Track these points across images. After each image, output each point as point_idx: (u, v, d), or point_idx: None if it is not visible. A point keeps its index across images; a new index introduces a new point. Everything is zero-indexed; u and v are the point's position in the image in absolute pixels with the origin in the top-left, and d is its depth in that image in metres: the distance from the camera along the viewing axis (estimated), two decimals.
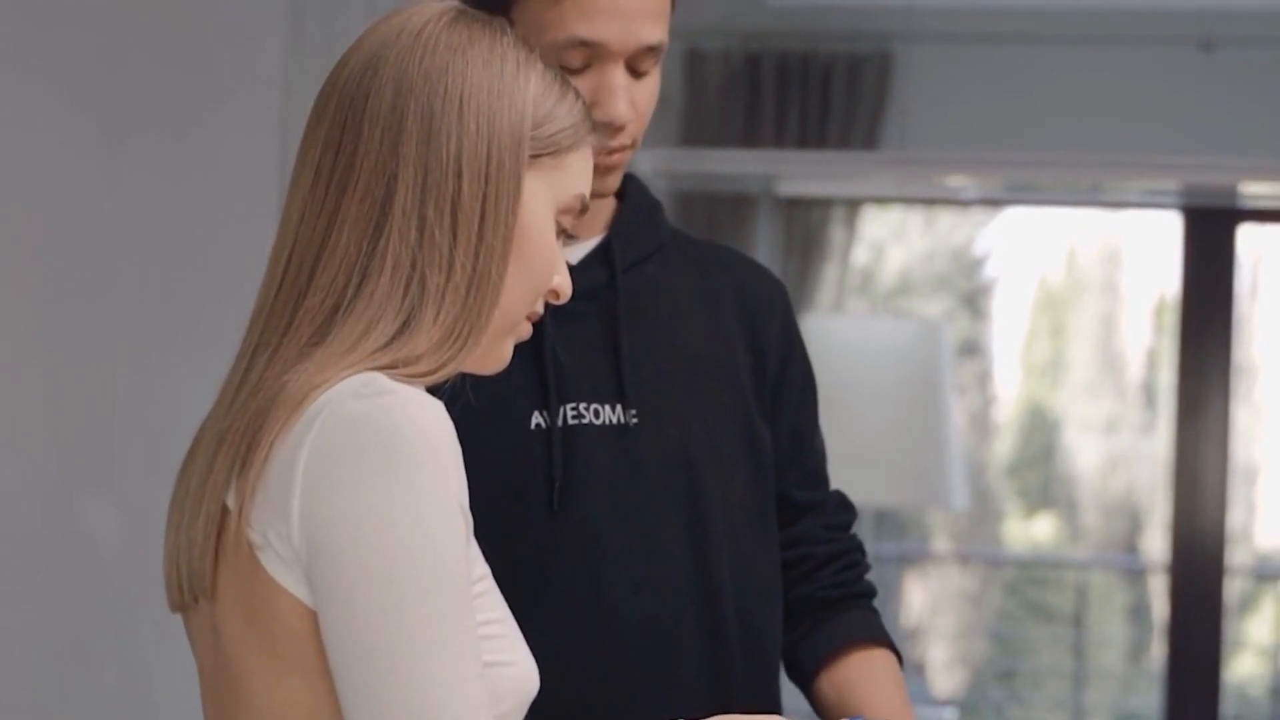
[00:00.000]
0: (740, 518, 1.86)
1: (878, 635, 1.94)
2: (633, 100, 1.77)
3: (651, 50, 1.76)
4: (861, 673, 1.90)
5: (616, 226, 1.87)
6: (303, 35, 3.16)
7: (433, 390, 1.44)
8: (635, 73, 1.77)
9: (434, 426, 1.31)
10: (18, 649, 2.58)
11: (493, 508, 1.74)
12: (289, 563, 1.31)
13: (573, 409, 1.80)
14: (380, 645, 1.27)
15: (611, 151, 1.78)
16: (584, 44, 1.72)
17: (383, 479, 1.28)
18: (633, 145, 1.80)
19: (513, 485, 1.77)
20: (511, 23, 1.73)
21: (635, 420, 1.82)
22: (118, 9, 2.76)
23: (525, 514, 1.77)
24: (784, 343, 1.95)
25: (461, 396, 1.56)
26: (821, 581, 1.96)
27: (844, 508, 2.01)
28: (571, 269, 1.82)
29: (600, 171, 1.77)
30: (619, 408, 1.81)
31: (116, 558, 2.79)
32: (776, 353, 1.94)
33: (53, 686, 2.67)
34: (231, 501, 1.34)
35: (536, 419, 1.78)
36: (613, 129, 1.76)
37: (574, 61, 1.73)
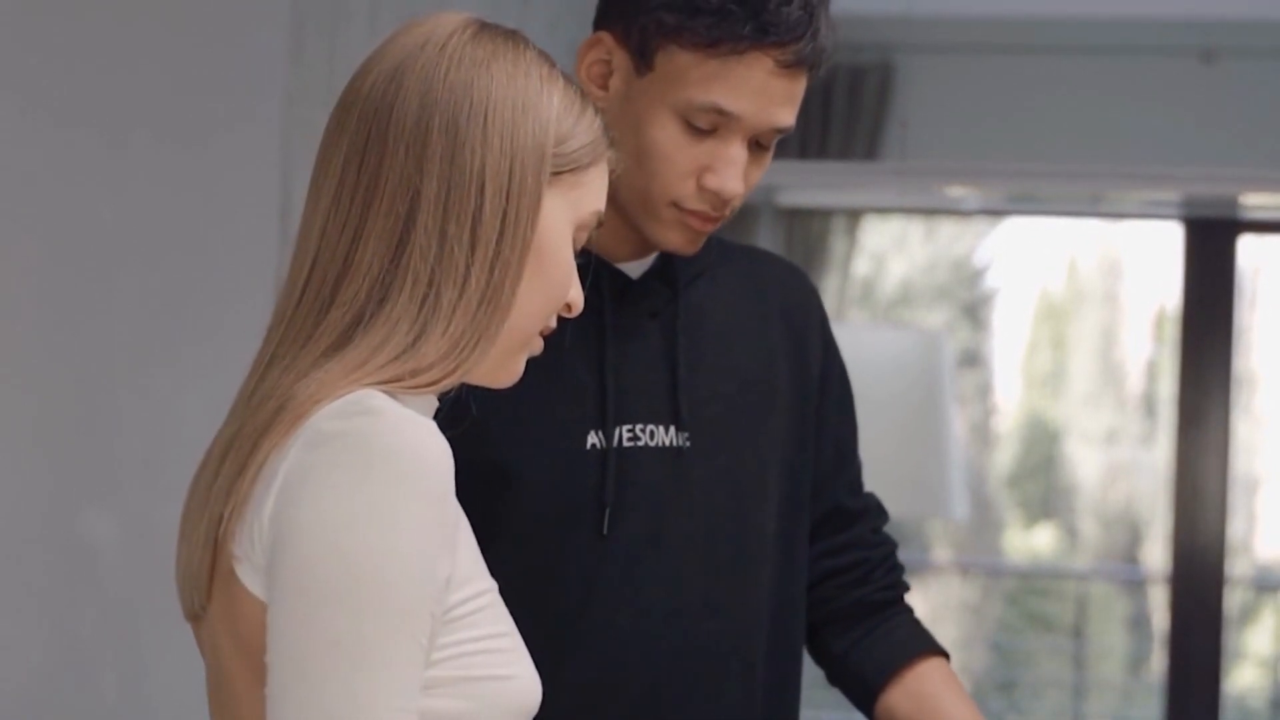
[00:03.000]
0: (774, 544, 1.87)
1: (935, 644, 1.97)
2: (744, 174, 1.76)
3: (779, 131, 1.76)
4: (936, 685, 1.93)
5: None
6: (304, 46, 3.16)
7: (440, 403, 1.44)
8: (754, 148, 1.77)
9: (420, 445, 1.30)
10: (17, 658, 2.58)
11: (543, 526, 1.74)
12: (261, 571, 1.31)
13: (629, 430, 1.79)
14: (304, 652, 1.25)
15: (708, 219, 1.77)
16: (721, 113, 1.71)
17: (350, 489, 1.27)
18: (729, 215, 1.79)
19: (563, 505, 1.76)
20: (651, 67, 1.73)
21: (688, 444, 1.81)
22: (118, 18, 2.76)
23: (573, 535, 1.76)
24: (823, 352, 1.96)
25: (468, 413, 1.56)
26: (876, 584, 1.98)
27: (881, 511, 2.03)
28: (633, 285, 1.82)
29: (689, 235, 1.78)
30: (673, 430, 1.80)
31: (117, 567, 2.79)
32: (817, 364, 1.94)
33: (52, 696, 2.67)
34: (226, 511, 1.34)
35: (592, 439, 1.77)
36: (720, 199, 1.75)
37: (701, 123, 1.72)
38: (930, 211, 6.28)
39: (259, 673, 1.32)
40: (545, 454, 1.76)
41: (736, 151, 1.74)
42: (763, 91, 1.72)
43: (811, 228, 5.53)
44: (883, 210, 6.01)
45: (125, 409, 2.81)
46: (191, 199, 2.94)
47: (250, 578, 1.31)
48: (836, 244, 5.53)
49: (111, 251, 2.76)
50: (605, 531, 1.76)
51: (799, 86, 1.75)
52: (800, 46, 1.72)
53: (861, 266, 7.23)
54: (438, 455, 1.31)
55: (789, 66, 1.72)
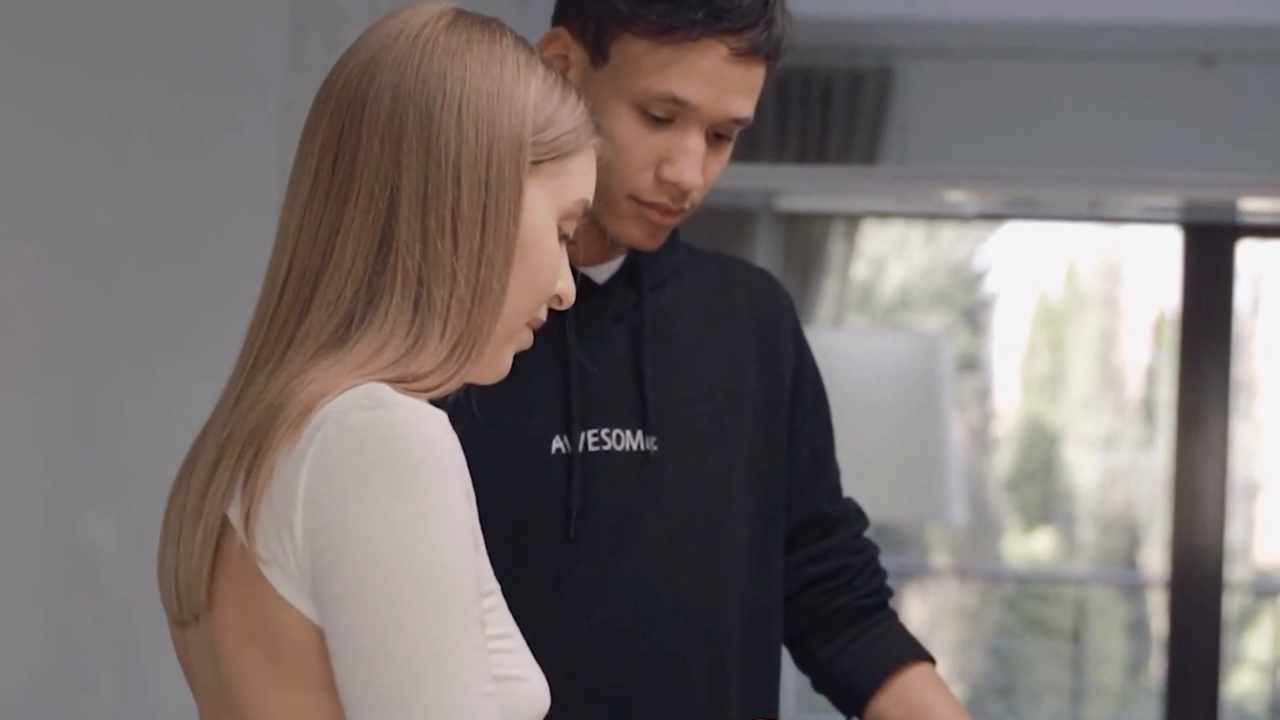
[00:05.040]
0: (745, 549, 1.86)
1: (922, 650, 1.96)
2: (703, 166, 1.75)
3: (738, 122, 1.75)
4: (925, 691, 1.92)
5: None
6: (304, 49, 3.16)
7: (441, 406, 1.42)
8: (713, 139, 1.76)
9: (439, 439, 1.29)
10: (16, 660, 2.58)
11: (507, 532, 1.72)
12: (294, 577, 1.29)
13: (594, 435, 1.78)
14: (388, 660, 1.25)
15: (668, 213, 1.76)
16: (676, 102, 1.70)
17: (388, 493, 1.26)
18: (690, 209, 1.77)
19: (528, 510, 1.75)
20: (606, 59, 1.72)
21: (656, 448, 1.80)
22: (117, 23, 2.76)
23: (540, 540, 1.75)
24: (795, 358, 1.94)
25: (468, 414, 1.55)
26: (859, 590, 1.96)
27: (861, 516, 2.02)
28: (598, 288, 1.81)
29: (649, 229, 1.77)
30: (640, 434, 1.80)
31: (116, 570, 2.78)
32: (789, 370, 1.93)
33: (51, 698, 2.66)
34: (234, 513, 1.32)
35: (557, 444, 1.76)
36: (679, 191, 1.74)
37: (658, 112, 1.71)
38: (929, 216, 6.28)
39: (280, 674, 1.31)
40: (510, 459, 1.75)
41: (694, 142, 1.73)
42: (717, 79, 1.71)
43: (810, 232, 5.53)
44: (882, 214, 6.02)
45: (125, 412, 2.81)
46: (191, 202, 2.94)
47: (282, 582, 1.30)
48: (835, 248, 5.53)
49: (111, 254, 2.76)
50: (571, 537, 1.75)
51: (755, 76, 1.74)
52: (754, 34, 1.71)
53: (860, 271, 7.23)
54: (453, 445, 1.30)
55: (744, 54, 1.71)
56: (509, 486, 1.74)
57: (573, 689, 1.74)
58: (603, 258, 1.82)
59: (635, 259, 1.84)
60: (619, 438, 1.79)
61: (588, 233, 1.77)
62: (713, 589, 1.82)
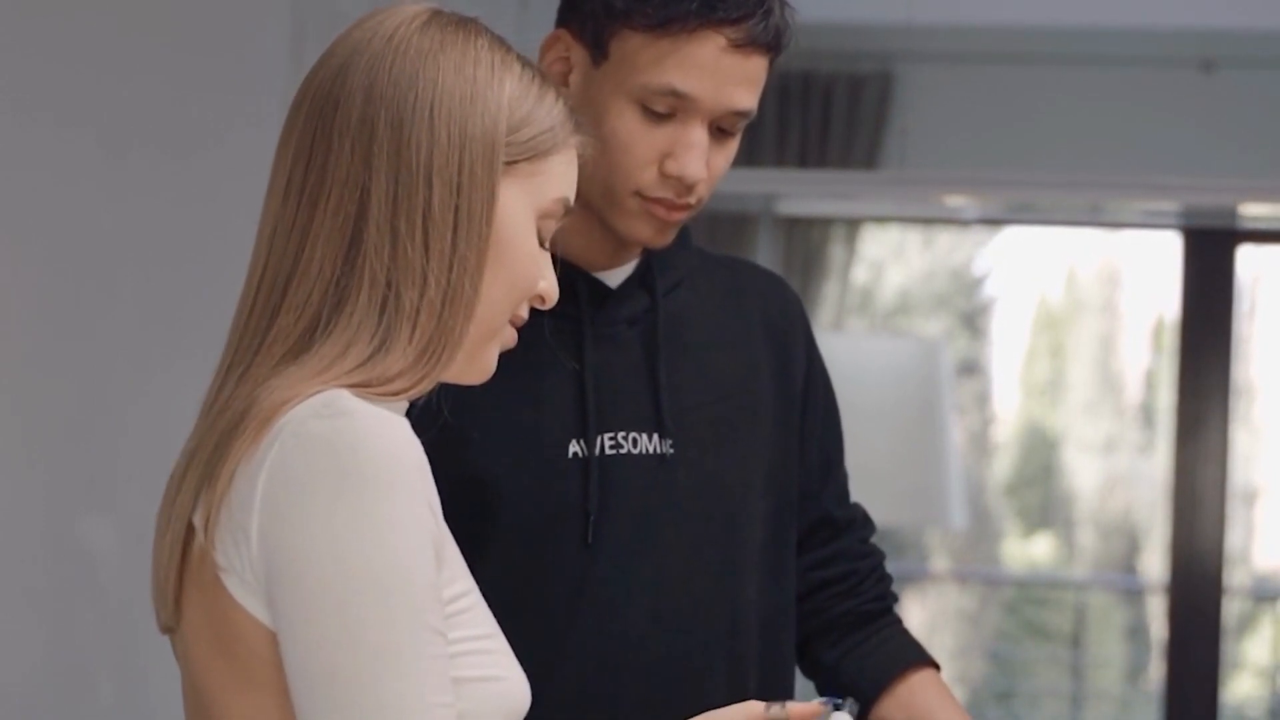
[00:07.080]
0: (760, 551, 1.86)
1: (926, 655, 1.97)
2: (708, 161, 1.74)
3: (740, 115, 1.74)
4: (929, 696, 1.93)
5: (654, 250, 1.83)
6: (304, 51, 3.17)
7: (425, 409, 1.42)
8: (716, 134, 1.75)
9: (396, 447, 1.28)
10: (15, 662, 2.58)
11: (526, 537, 1.73)
12: (249, 584, 1.29)
13: (610, 438, 1.77)
14: (337, 670, 1.24)
15: (674, 208, 1.75)
16: (676, 95, 1.70)
17: (339, 503, 1.25)
18: (697, 204, 1.76)
19: (546, 515, 1.75)
20: (605, 56, 1.72)
21: (672, 451, 1.80)
22: (118, 25, 2.76)
23: (557, 544, 1.75)
24: (807, 362, 1.94)
25: (441, 418, 1.54)
26: (866, 595, 1.97)
27: (868, 521, 2.02)
28: (613, 294, 1.80)
29: (656, 225, 1.76)
30: (656, 437, 1.79)
31: (116, 572, 2.79)
32: (801, 374, 1.93)
33: (50, 700, 2.67)
34: (198, 521, 1.32)
35: (574, 448, 1.76)
36: (683, 185, 1.73)
37: (659, 107, 1.71)
38: (929, 220, 6.29)
39: (240, 679, 1.31)
40: (527, 465, 1.74)
41: (697, 135, 1.72)
42: (716, 71, 1.70)
43: (810, 236, 5.53)
44: (882, 219, 6.02)
45: (124, 414, 2.81)
46: (191, 205, 2.94)
47: (240, 591, 1.30)
48: (835, 252, 5.53)
49: (111, 256, 2.76)
50: (590, 541, 1.75)
51: (755, 67, 1.74)
52: (752, 24, 1.71)
53: (860, 275, 7.24)
54: (414, 452, 1.29)
55: (741, 45, 1.71)
56: (527, 492, 1.74)
57: (592, 692, 1.74)
58: (615, 262, 1.82)
59: (648, 263, 1.84)
60: (635, 441, 1.79)
61: (599, 237, 1.78)
62: (731, 591, 1.82)
